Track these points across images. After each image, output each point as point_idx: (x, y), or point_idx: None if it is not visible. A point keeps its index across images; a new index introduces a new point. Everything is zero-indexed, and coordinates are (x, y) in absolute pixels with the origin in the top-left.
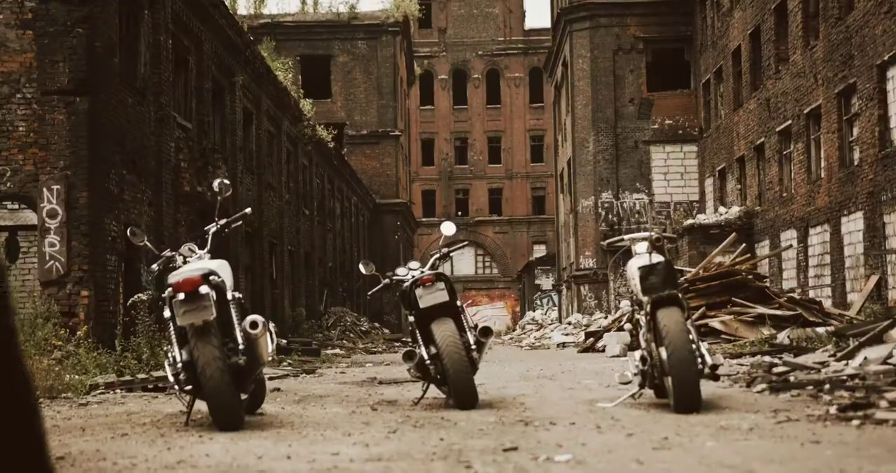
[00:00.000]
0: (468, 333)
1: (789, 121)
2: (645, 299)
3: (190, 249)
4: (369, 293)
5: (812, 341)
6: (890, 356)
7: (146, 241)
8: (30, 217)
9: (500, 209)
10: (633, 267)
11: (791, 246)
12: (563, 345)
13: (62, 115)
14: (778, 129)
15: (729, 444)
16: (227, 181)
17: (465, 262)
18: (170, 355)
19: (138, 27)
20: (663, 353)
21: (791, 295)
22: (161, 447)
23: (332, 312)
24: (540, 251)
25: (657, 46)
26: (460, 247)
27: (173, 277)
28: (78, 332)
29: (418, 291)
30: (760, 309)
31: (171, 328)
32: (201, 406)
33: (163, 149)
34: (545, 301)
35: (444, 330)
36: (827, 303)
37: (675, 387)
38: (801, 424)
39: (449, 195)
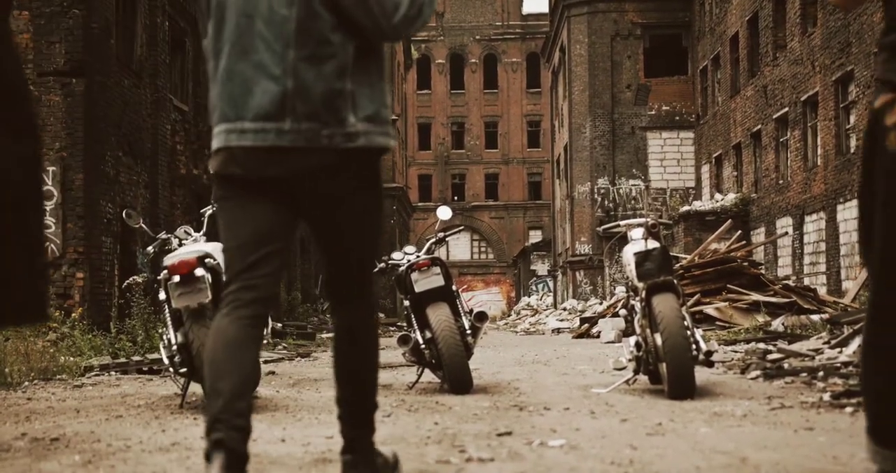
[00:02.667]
0: (463, 318)
1: (786, 109)
2: (640, 285)
3: (185, 232)
4: None
5: (806, 328)
6: None
7: (142, 224)
8: None
9: (496, 194)
10: (628, 254)
11: (787, 233)
12: (557, 331)
13: (58, 97)
14: (775, 117)
15: (722, 430)
16: None
17: (460, 247)
18: (165, 337)
19: (135, 9)
20: (658, 339)
21: (786, 282)
22: (156, 429)
23: None
24: (536, 236)
25: (655, 32)
26: (456, 232)
27: (169, 260)
28: (73, 314)
29: (414, 275)
30: (755, 297)
31: (167, 310)
32: (196, 388)
33: (159, 132)
34: (540, 286)
35: (439, 315)
36: (822, 291)
37: (670, 373)
38: (795, 411)
39: (445, 180)
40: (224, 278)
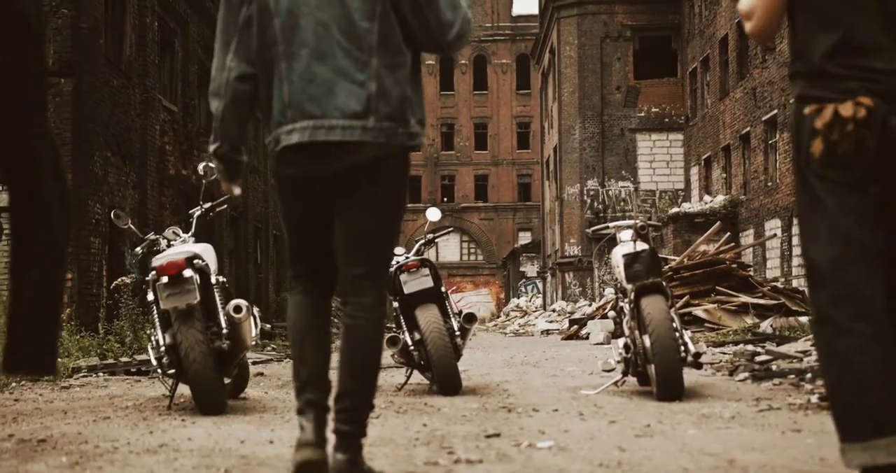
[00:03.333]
0: (452, 319)
1: (775, 111)
2: (629, 287)
3: (174, 233)
4: None
5: (795, 330)
6: None
7: (130, 224)
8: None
9: (485, 195)
10: (617, 255)
11: (775, 235)
12: (547, 332)
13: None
14: (764, 119)
15: (710, 432)
16: (212, 164)
17: (450, 248)
18: (153, 338)
19: (124, 9)
20: (647, 341)
21: (775, 284)
22: (143, 430)
23: None
24: (525, 238)
25: (644, 34)
26: (445, 233)
27: (157, 260)
28: (61, 315)
29: (403, 277)
30: (744, 298)
31: (155, 311)
32: (184, 390)
33: (148, 132)
34: (530, 288)
35: (428, 316)
36: None
37: (658, 375)
38: (783, 412)
39: (435, 181)
40: (290, 271)
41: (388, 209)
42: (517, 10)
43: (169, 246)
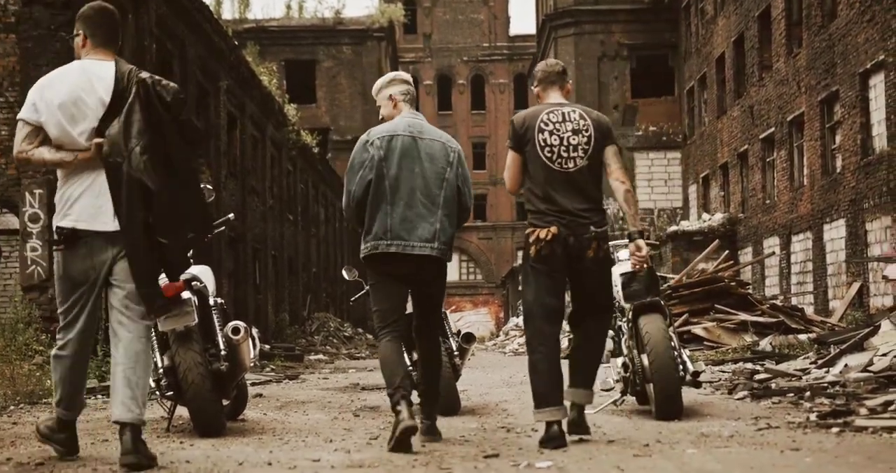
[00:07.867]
0: (451, 339)
1: (772, 129)
2: (627, 306)
3: None
4: (352, 299)
5: (794, 348)
6: (870, 363)
7: None
8: (11, 221)
9: (484, 214)
10: (615, 274)
11: (774, 253)
12: None
13: None
14: (761, 137)
15: (709, 451)
16: (210, 186)
17: (448, 268)
18: (151, 361)
19: (122, 31)
20: (645, 360)
21: (773, 302)
22: None
23: (316, 318)
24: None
25: (641, 53)
26: None
27: None
28: None
29: None
30: (743, 316)
31: (153, 334)
32: (182, 412)
33: None
34: None
35: None
36: (809, 310)
37: (657, 394)
38: (782, 431)
39: None
40: (377, 325)
41: (439, 288)
42: (514, 29)
43: None
